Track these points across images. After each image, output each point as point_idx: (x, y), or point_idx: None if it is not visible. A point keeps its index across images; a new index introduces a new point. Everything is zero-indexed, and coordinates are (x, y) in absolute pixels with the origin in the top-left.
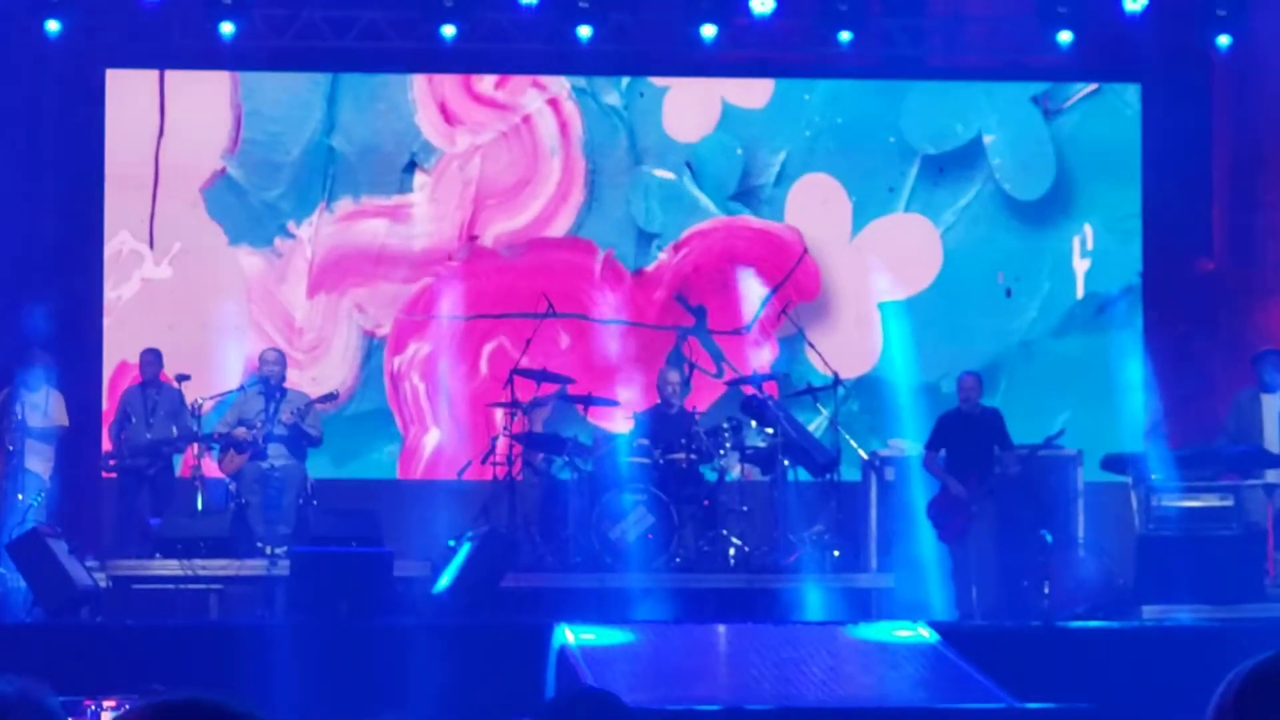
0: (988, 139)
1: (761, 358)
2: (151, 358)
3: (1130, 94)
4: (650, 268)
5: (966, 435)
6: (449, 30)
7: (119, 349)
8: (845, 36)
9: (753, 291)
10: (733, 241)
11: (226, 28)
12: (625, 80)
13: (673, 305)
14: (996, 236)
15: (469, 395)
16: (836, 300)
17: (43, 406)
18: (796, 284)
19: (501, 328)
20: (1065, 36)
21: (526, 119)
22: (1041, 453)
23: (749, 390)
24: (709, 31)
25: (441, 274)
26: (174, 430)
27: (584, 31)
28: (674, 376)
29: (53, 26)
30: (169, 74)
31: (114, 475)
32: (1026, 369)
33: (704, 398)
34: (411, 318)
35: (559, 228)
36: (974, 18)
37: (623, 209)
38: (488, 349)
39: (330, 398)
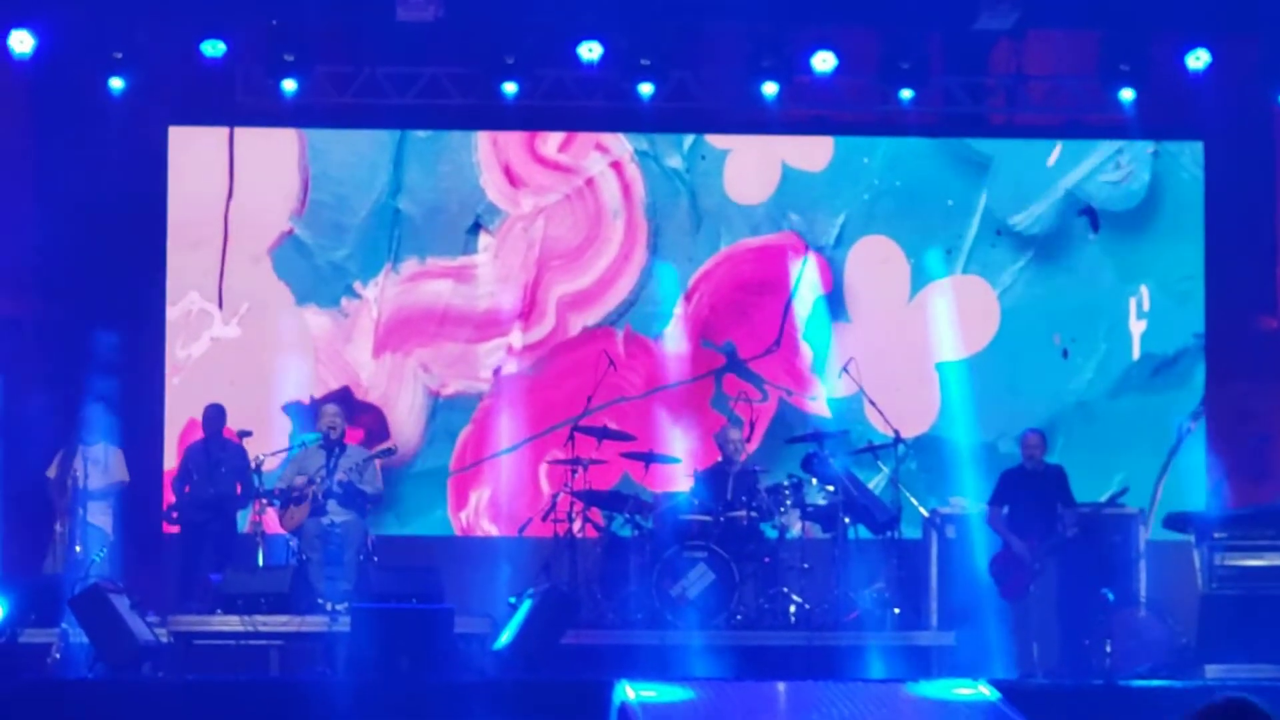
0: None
1: (798, 367)
2: (214, 414)
3: (1188, 154)
4: (669, 326)
5: (1030, 492)
6: (510, 87)
7: (187, 408)
8: (906, 94)
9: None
10: (737, 268)
11: (289, 85)
12: (688, 143)
13: (701, 352)
14: (1053, 298)
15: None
16: (895, 360)
17: (103, 462)
18: (808, 281)
19: (553, 442)
20: (1127, 94)
21: (590, 181)
22: (1104, 511)
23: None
24: (770, 89)
25: (476, 418)
26: (238, 487)
27: (645, 89)
28: (735, 434)
29: (116, 84)
30: (238, 136)
31: (176, 530)
32: (1083, 429)
33: (758, 429)
34: (462, 469)
35: (622, 289)
36: (1036, 75)
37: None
38: (543, 469)
39: (388, 453)
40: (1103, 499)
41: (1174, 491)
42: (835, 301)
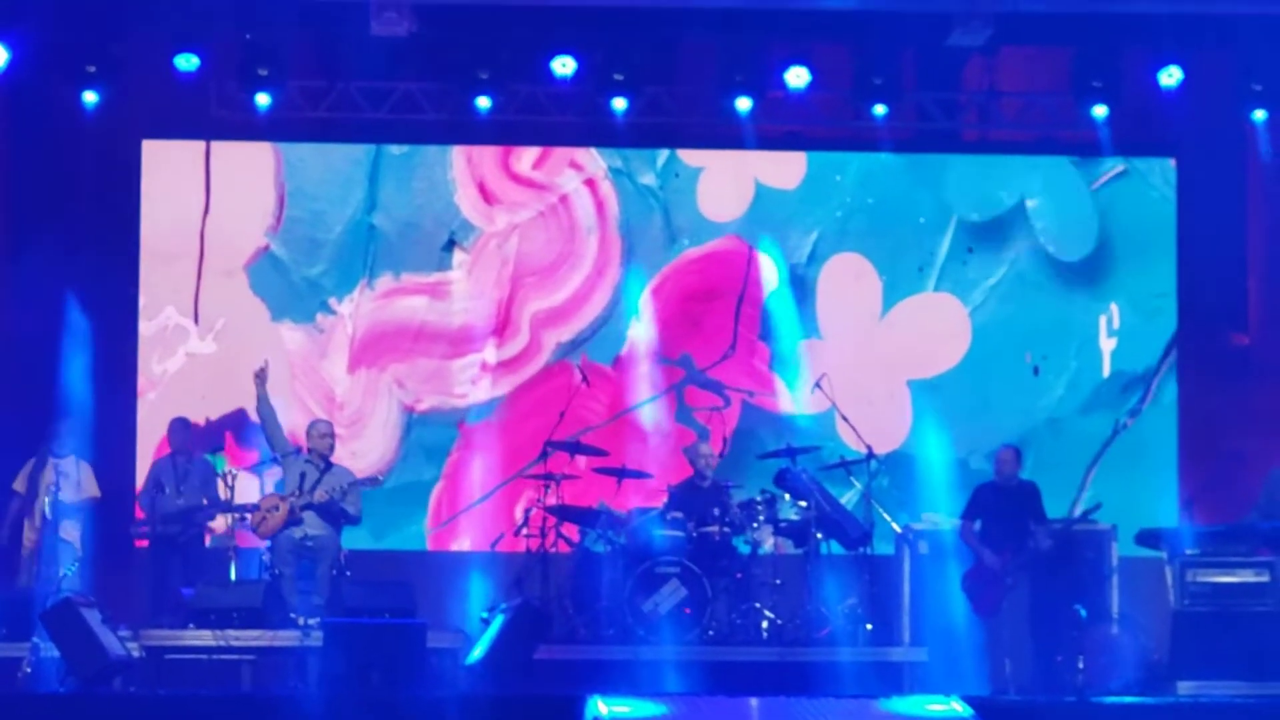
0: (1030, 203)
1: (757, 367)
2: (180, 427)
3: (1159, 173)
4: (624, 350)
5: (1002, 508)
6: (484, 102)
7: (162, 423)
8: (880, 110)
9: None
10: (683, 280)
11: (263, 99)
12: (661, 160)
13: (660, 369)
14: (1024, 315)
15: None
16: (867, 377)
17: (73, 476)
18: (755, 282)
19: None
20: (1100, 111)
21: (564, 198)
22: (1076, 527)
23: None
24: (744, 105)
25: (446, 472)
26: (204, 499)
27: (619, 104)
28: (706, 449)
29: (89, 98)
30: (214, 153)
31: (145, 544)
32: (1054, 445)
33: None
34: (440, 526)
35: (596, 305)
36: (1009, 91)
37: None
38: (520, 507)
39: (374, 482)
40: (1075, 515)
41: (1146, 507)
42: (808, 318)
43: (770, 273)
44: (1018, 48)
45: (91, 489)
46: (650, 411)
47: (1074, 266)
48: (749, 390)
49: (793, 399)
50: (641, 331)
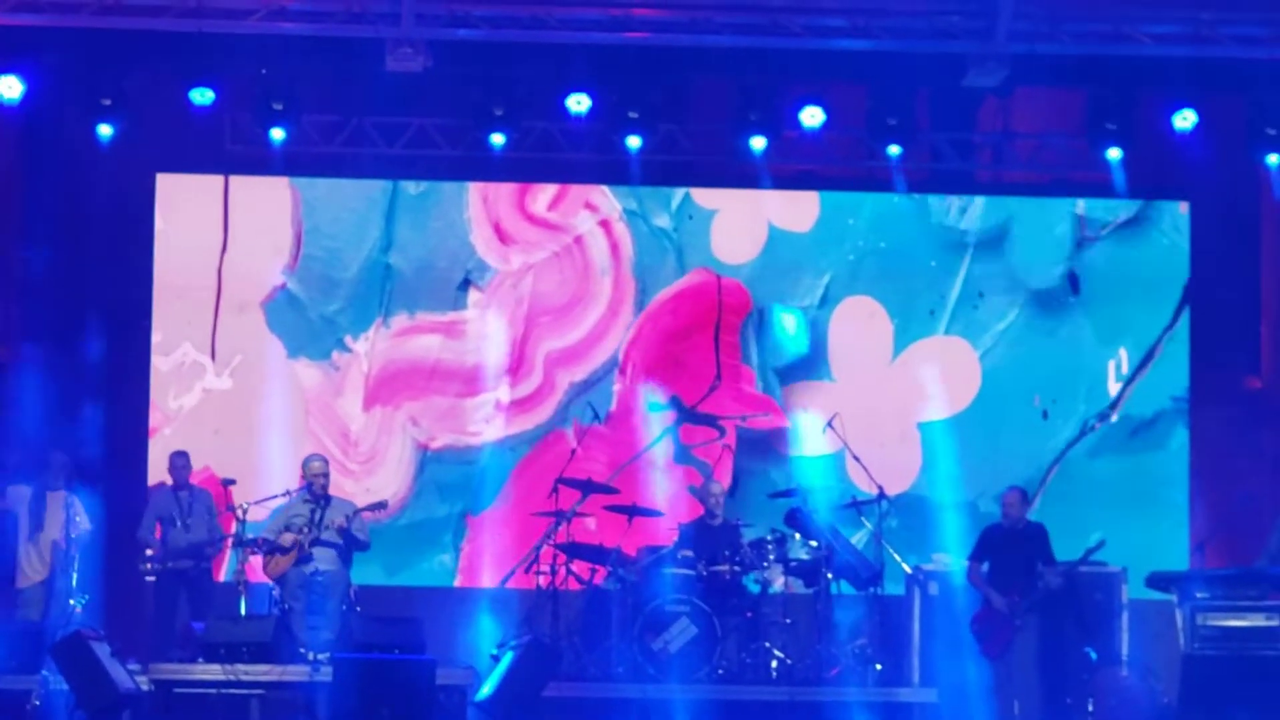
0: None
1: (746, 391)
2: (181, 461)
3: (1169, 219)
4: (614, 406)
5: (1010, 549)
6: (498, 139)
7: None
8: (894, 150)
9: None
10: (659, 323)
11: (277, 134)
12: (676, 202)
13: (650, 417)
14: (1034, 359)
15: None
16: (878, 419)
17: (74, 507)
18: (729, 309)
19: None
20: (1114, 153)
21: (579, 239)
22: (1084, 568)
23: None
24: (758, 144)
25: (463, 565)
26: (208, 532)
27: (633, 142)
28: (716, 489)
29: (104, 130)
30: (233, 191)
31: (153, 578)
32: (1062, 489)
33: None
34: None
35: (609, 346)
36: (1023, 133)
37: None
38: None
39: (380, 506)
40: (1080, 554)
41: (1156, 550)
42: (818, 360)
43: (741, 299)
44: (1032, 89)
45: (83, 521)
46: (650, 459)
47: (1082, 311)
48: (741, 415)
49: (794, 429)
50: (625, 384)
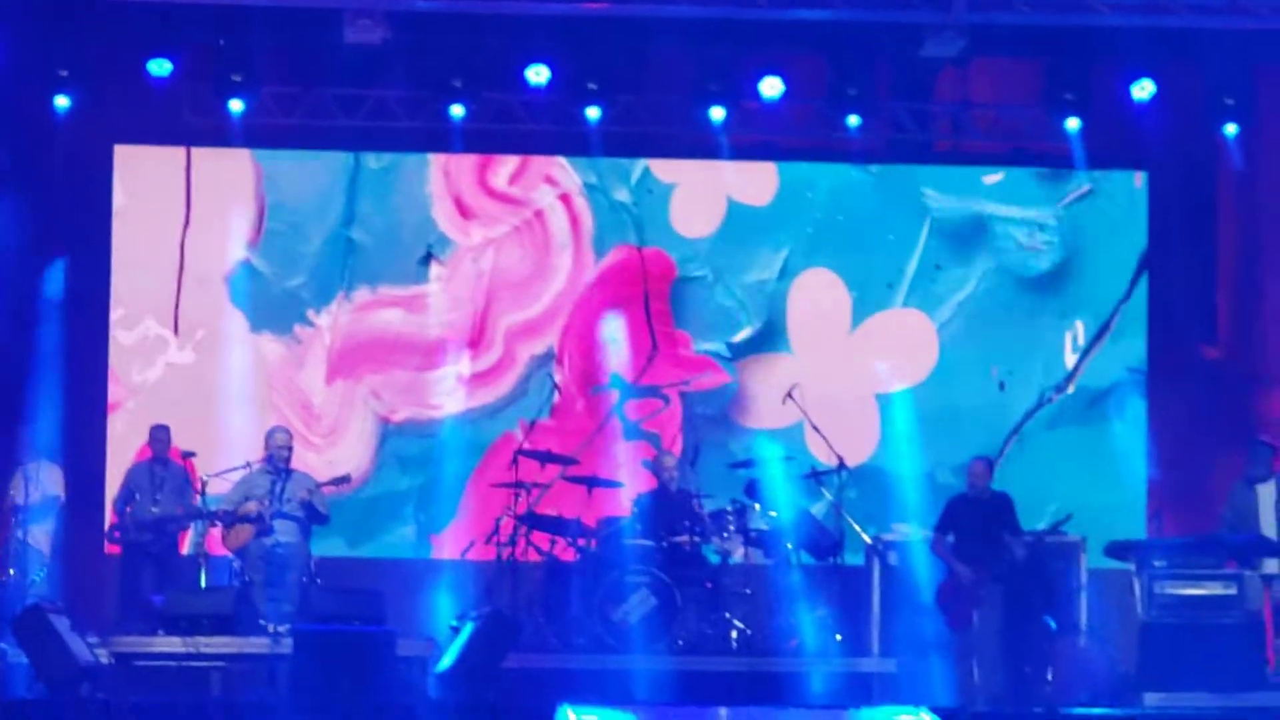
0: (997, 219)
1: (683, 355)
2: (161, 434)
3: (1124, 191)
4: (557, 399)
5: (975, 520)
6: (458, 110)
7: (141, 432)
8: (853, 120)
9: (621, 329)
10: (589, 308)
11: (236, 105)
12: (635, 176)
13: (593, 400)
14: (991, 331)
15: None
16: (836, 391)
17: (38, 479)
18: (654, 277)
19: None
20: (1072, 123)
21: (539, 214)
22: (1047, 539)
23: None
24: (717, 114)
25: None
26: (179, 508)
27: (593, 113)
28: (669, 460)
29: (61, 102)
30: (195, 165)
31: (118, 550)
32: (1020, 459)
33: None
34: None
35: (568, 319)
36: (981, 103)
37: None
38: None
39: (343, 480)
40: (1045, 527)
41: (1114, 520)
42: (777, 332)
43: (665, 266)
44: (990, 59)
45: (56, 488)
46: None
47: (1040, 283)
48: (683, 380)
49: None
50: (565, 375)
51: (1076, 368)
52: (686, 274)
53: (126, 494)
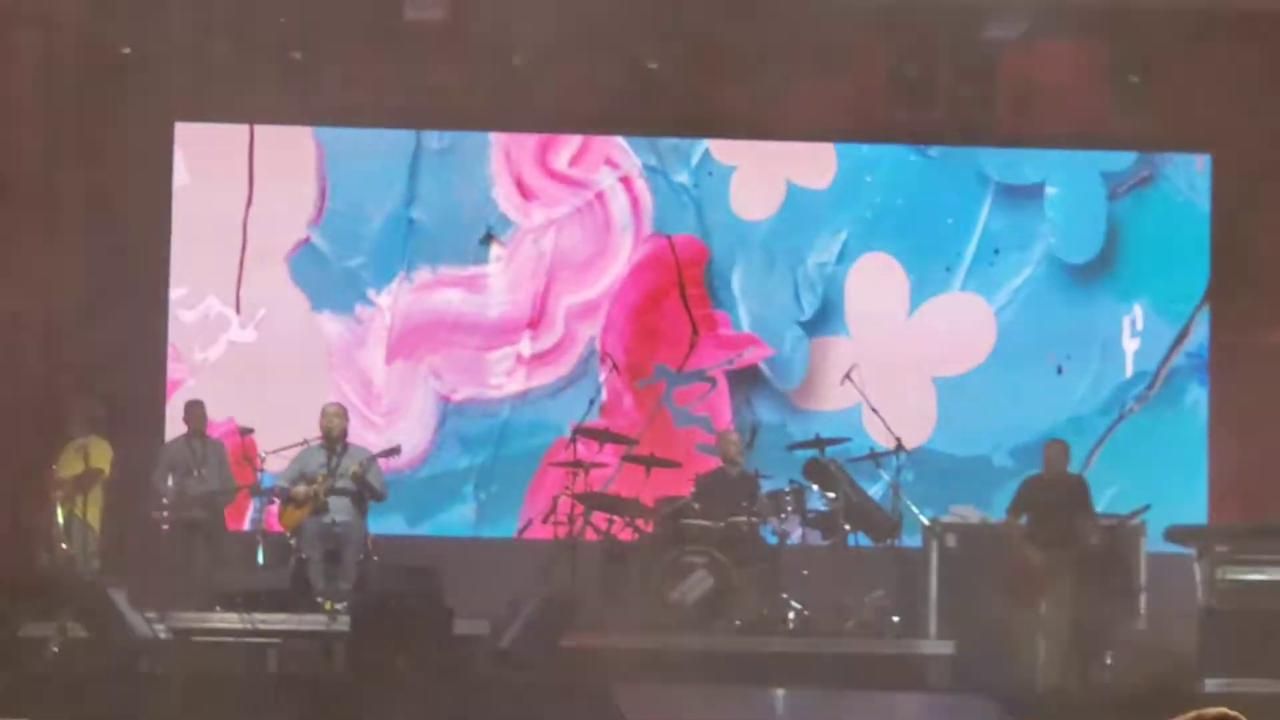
0: (1056, 204)
1: (724, 335)
2: (197, 410)
3: (1184, 175)
4: (605, 398)
5: (1049, 502)
6: (518, 89)
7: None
8: (914, 103)
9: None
10: (626, 303)
11: (298, 83)
12: (695, 159)
13: (640, 393)
14: (1049, 316)
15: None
16: (893, 374)
17: (85, 454)
18: (687, 263)
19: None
20: (1136, 106)
21: (599, 195)
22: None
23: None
24: (778, 96)
25: None
26: (221, 482)
27: (654, 94)
28: (734, 439)
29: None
30: (257, 143)
31: (166, 527)
32: (1076, 444)
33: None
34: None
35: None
36: (1044, 84)
37: None
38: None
39: (394, 452)
40: (1122, 514)
41: (1175, 504)
42: (834, 316)
43: (697, 251)
44: (1052, 42)
45: (104, 463)
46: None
47: (1098, 267)
48: (727, 360)
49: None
50: (609, 373)
51: (1158, 372)
52: (744, 258)
53: (165, 470)
